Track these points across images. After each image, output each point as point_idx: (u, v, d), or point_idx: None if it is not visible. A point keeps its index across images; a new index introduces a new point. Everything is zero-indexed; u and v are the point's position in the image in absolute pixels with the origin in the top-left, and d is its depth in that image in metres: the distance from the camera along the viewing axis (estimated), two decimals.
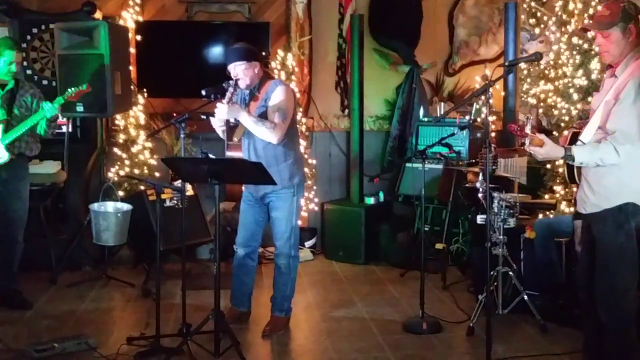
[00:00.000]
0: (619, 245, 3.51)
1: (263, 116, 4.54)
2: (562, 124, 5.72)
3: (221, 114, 4.43)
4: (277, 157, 4.59)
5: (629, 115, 3.37)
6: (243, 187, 4.89)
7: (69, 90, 5.04)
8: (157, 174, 6.47)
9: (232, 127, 4.62)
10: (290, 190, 4.66)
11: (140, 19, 6.66)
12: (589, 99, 4.87)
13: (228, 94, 4.42)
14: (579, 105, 5.66)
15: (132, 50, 6.46)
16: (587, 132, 3.58)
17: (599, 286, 3.61)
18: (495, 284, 4.85)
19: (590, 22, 4.21)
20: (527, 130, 3.50)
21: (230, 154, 4.71)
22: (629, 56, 3.48)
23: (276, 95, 4.54)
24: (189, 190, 5.94)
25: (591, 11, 5.58)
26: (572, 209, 5.29)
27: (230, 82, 4.48)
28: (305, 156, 6.75)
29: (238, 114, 4.46)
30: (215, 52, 6.77)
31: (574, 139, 3.66)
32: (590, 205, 3.60)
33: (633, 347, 3.63)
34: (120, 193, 6.20)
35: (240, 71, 4.51)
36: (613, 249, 3.54)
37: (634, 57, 3.47)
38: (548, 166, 5.82)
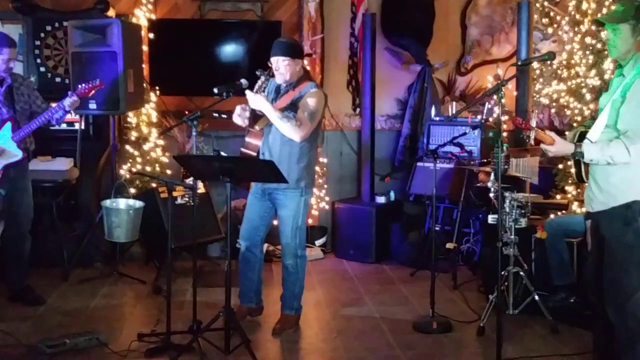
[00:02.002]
0: (626, 243, 3.52)
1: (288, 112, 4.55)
2: (575, 124, 5.69)
3: (250, 103, 4.44)
4: (291, 156, 4.59)
5: (637, 114, 3.39)
6: None
7: (81, 86, 5.03)
8: (168, 172, 6.49)
9: (256, 116, 4.63)
10: (297, 190, 4.66)
11: (153, 16, 6.67)
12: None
13: (259, 83, 4.43)
14: (591, 106, 5.63)
15: (145, 48, 6.48)
16: (595, 130, 3.59)
17: (607, 285, 3.62)
18: (506, 284, 4.84)
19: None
20: (532, 123, 3.52)
21: (249, 140, 4.69)
22: (637, 56, 3.50)
23: (310, 97, 4.55)
24: (201, 187, 5.96)
25: (605, 11, 5.55)
26: (584, 209, 5.27)
27: (263, 72, 4.50)
28: None
29: (264, 105, 4.46)
30: (228, 50, 6.77)
31: (581, 138, 3.66)
32: (597, 203, 3.61)
33: (638, 345, 3.63)
34: (132, 190, 6.22)
35: (283, 66, 4.52)
36: (620, 247, 3.54)
37: None
38: (560, 166, 5.80)
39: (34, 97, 5.20)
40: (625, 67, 3.55)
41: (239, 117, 4.65)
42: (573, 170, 3.85)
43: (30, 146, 5.24)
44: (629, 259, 3.52)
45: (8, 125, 4.96)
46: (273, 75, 4.61)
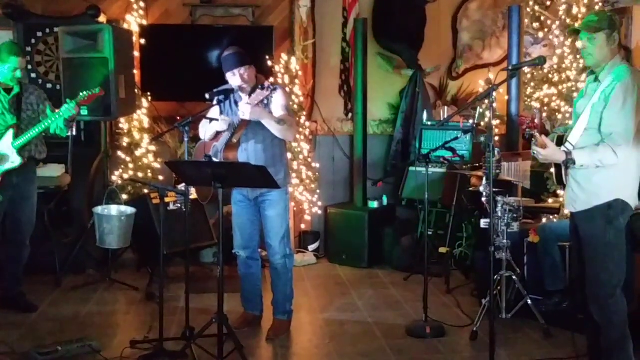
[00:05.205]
0: (607, 242, 3.61)
1: None
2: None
3: (246, 115, 4.39)
4: (275, 157, 4.64)
5: (621, 117, 3.52)
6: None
7: (82, 93, 5.01)
8: (160, 178, 6.47)
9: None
10: (284, 188, 4.69)
11: (145, 22, 6.67)
12: None
13: (260, 97, 4.37)
14: None
15: (136, 53, 6.47)
16: (575, 134, 3.71)
17: (588, 283, 3.71)
18: (499, 288, 4.85)
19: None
20: (537, 122, 3.63)
21: (227, 154, 4.64)
22: (612, 63, 3.65)
23: (281, 98, 4.58)
24: (193, 193, 5.94)
25: None
26: None
27: (266, 86, 4.45)
28: (309, 160, 6.77)
29: (262, 115, 4.44)
30: (219, 55, 6.76)
31: (559, 143, 3.75)
32: (580, 203, 3.71)
33: (627, 342, 3.67)
34: (124, 196, 6.21)
35: (246, 75, 4.52)
36: (601, 246, 3.63)
37: (616, 63, 3.64)
38: (551, 170, 5.80)
39: (44, 107, 5.19)
40: (600, 73, 3.67)
41: (222, 123, 4.61)
42: (553, 171, 3.94)
43: (39, 156, 5.23)
44: (610, 257, 3.62)
45: (10, 132, 4.97)
46: (266, 89, 4.46)
